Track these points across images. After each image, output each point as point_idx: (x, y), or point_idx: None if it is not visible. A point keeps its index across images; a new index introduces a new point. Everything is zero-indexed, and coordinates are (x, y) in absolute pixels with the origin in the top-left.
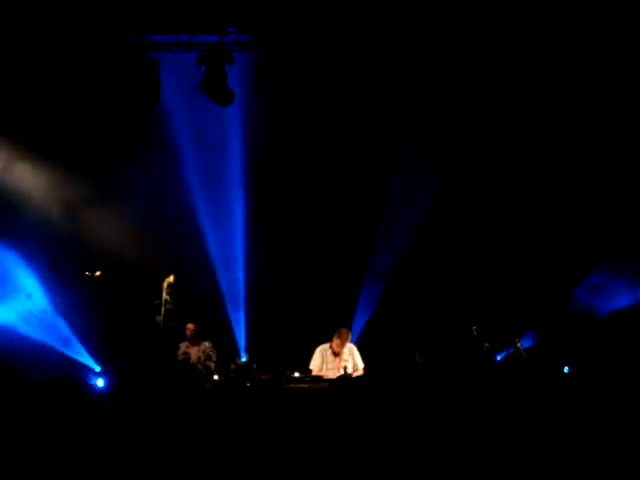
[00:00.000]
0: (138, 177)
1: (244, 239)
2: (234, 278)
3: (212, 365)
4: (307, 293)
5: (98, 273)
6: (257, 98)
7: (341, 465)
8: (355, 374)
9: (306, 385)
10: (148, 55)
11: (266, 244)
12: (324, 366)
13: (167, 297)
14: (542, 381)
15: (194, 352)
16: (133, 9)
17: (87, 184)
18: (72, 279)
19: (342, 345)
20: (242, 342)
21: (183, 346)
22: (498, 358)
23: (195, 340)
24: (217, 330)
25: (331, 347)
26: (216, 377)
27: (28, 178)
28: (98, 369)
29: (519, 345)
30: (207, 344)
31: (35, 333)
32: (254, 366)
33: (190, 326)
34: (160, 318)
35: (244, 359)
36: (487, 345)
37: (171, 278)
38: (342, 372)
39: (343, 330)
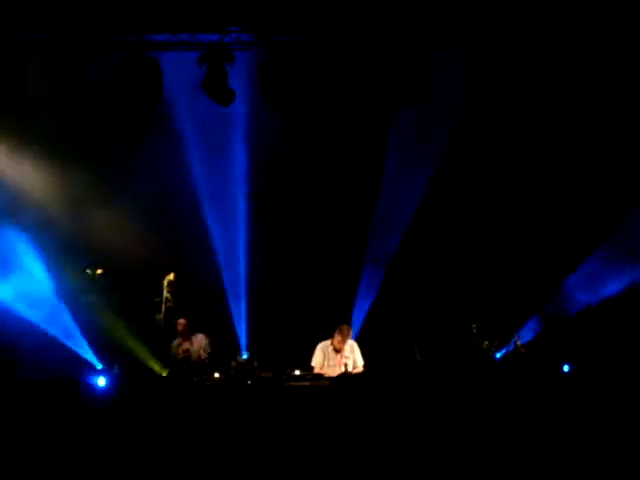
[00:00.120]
0: (140, 175)
1: (246, 236)
2: (235, 275)
3: (204, 355)
4: (308, 290)
5: (99, 271)
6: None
7: (342, 463)
8: (355, 371)
9: (307, 383)
10: (149, 54)
11: (267, 242)
12: (325, 363)
13: (168, 295)
14: (541, 379)
15: (194, 350)
16: (133, 8)
17: (88, 182)
18: (73, 275)
19: (343, 341)
20: (243, 339)
21: (176, 342)
22: (497, 356)
23: (187, 335)
24: (218, 327)
25: (332, 344)
26: (217, 375)
27: (29, 175)
28: (100, 366)
29: (518, 343)
30: (201, 335)
31: (36, 317)
32: (255, 363)
33: (181, 321)
34: (161, 316)
35: (245, 356)
36: (487, 343)
37: (171, 276)
38: (343, 369)
39: (344, 326)
